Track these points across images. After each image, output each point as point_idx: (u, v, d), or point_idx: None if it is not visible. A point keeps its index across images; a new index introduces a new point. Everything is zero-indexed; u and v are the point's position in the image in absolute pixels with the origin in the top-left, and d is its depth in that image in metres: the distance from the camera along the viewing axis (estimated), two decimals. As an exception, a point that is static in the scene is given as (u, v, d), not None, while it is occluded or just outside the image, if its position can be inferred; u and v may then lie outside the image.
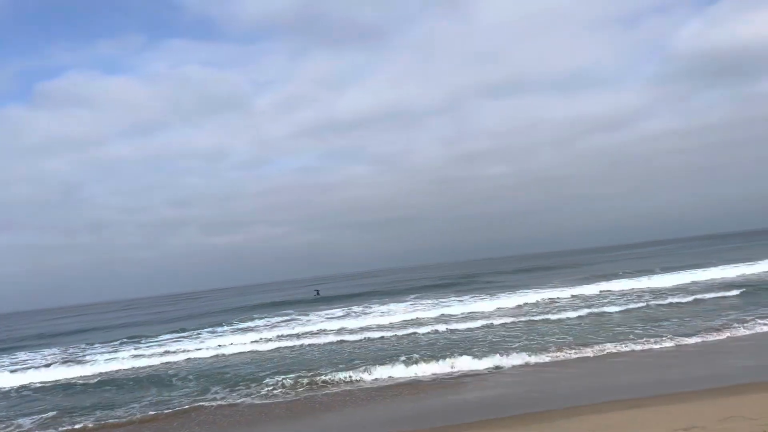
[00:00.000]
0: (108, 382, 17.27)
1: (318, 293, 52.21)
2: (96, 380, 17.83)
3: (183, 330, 30.02)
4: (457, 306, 28.66)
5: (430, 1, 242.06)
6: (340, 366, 15.50)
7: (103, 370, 19.45)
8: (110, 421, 12.39)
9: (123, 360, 21.24)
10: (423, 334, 20.58)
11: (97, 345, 28.15)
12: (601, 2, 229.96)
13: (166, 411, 12.67)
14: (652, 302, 23.32)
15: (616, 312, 21.70)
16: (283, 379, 14.48)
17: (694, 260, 45.06)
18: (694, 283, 29.70)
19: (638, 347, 14.83)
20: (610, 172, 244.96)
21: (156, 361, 20.47)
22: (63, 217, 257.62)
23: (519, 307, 26.44)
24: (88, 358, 23.14)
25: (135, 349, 24.29)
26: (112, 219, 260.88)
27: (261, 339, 23.52)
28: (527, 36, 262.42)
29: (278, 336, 23.96)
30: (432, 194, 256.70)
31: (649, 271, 38.00)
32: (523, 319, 21.84)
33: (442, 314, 26.17)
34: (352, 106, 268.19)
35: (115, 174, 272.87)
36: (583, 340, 16.41)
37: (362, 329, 23.49)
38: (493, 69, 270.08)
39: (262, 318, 33.16)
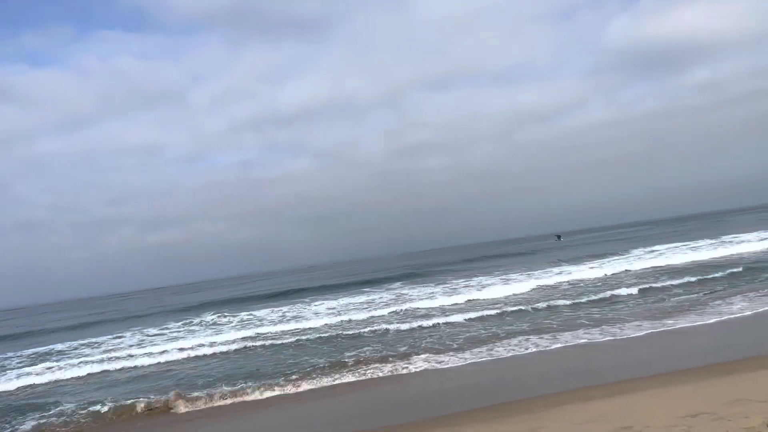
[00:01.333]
0: None
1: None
2: None
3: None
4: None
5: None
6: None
7: None
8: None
9: None
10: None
11: None
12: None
13: None
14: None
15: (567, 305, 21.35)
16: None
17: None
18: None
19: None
20: (547, 163, 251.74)
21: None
22: None
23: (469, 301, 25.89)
24: None
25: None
26: (42, 218, 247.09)
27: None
28: (466, 30, 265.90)
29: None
30: (375, 187, 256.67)
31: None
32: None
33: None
34: (293, 99, 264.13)
35: (45, 171, 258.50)
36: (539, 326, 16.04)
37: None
38: (433, 62, 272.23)
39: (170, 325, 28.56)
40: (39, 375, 17.81)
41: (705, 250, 33.08)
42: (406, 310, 23.21)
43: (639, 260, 32.34)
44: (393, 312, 23.00)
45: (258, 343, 18.89)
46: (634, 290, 20.73)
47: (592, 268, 30.88)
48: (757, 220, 61.41)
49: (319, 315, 24.99)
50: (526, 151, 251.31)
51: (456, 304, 23.59)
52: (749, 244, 33.93)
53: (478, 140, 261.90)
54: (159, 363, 17.66)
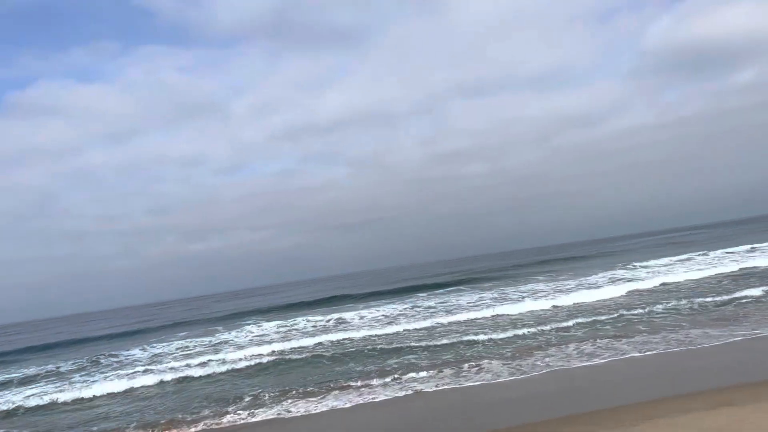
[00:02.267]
0: None
1: None
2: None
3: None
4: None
5: (406, 2, 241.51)
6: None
7: None
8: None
9: None
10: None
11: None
12: (574, 0, 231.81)
13: None
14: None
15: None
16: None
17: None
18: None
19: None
20: (588, 168, 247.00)
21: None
22: (39, 228, 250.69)
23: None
24: None
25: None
26: (89, 228, 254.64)
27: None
28: (502, 35, 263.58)
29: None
30: (412, 194, 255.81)
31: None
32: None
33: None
34: (330, 108, 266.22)
35: (91, 183, 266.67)
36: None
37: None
38: (469, 68, 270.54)
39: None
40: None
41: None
42: (498, 315, 22.53)
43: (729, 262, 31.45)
44: (493, 316, 22.51)
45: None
46: (757, 291, 20.12)
47: (686, 271, 29.83)
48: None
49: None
50: (567, 156, 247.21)
51: (545, 309, 22.76)
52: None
53: (516, 145, 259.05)
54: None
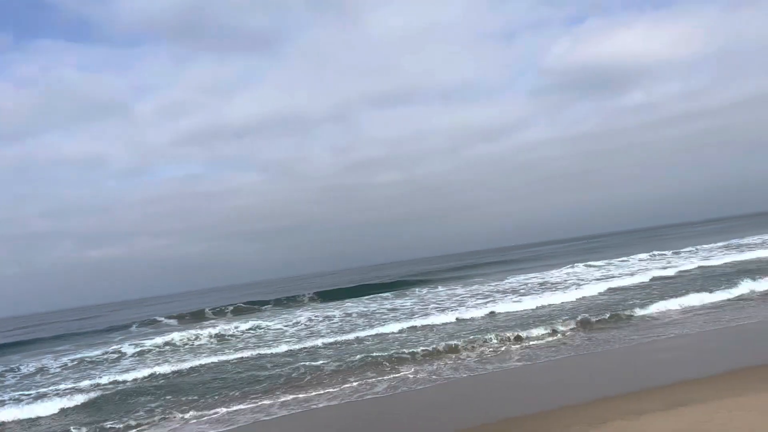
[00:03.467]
0: None
1: None
2: None
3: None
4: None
5: (321, 10, 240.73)
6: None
7: None
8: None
9: None
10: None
11: None
12: (482, 19, 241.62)
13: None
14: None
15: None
16: None
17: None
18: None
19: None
20: (494, 179, 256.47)
21: None
22: None
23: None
24: None
25: None
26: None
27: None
28: (414, 48, 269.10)
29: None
30: (324, 202, 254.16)
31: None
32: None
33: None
34: (240, 112, 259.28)
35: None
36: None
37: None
38: (381, 79, 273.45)
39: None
40: None
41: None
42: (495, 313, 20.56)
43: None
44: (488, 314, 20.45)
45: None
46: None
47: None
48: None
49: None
50: (475, 167, 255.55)
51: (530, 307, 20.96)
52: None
53: (427, 156, 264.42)
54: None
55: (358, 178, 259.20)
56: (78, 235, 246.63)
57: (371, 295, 34.96)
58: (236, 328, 24.52)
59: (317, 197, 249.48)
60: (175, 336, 23.66)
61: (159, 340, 23.30)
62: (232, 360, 17.28)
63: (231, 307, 37.20)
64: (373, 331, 19.51)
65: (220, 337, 23.13)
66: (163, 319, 35.88)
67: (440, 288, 33.80)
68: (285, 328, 23.73)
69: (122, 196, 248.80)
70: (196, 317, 35.25)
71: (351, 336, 19.19)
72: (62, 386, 16.32)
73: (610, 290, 23.34)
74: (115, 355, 21.31)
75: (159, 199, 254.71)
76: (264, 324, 25.04)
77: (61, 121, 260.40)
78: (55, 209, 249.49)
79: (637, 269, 30.82)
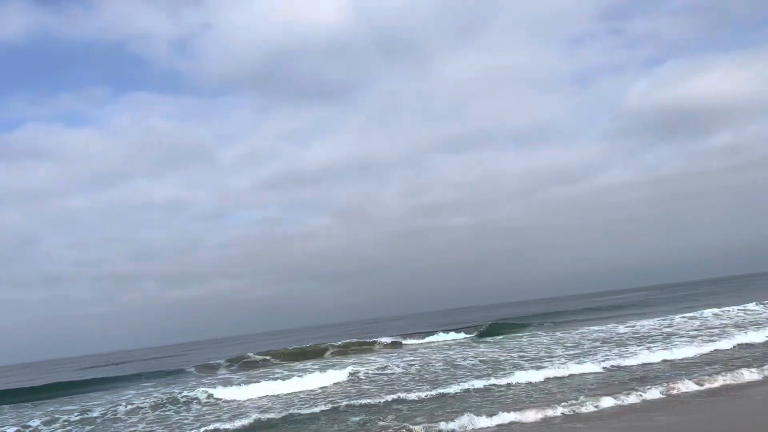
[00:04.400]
0: None
1: None
2: None
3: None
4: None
5: (394, 60, 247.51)
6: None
7: None
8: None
9: None
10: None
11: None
12: (556, 62, 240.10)
13: None
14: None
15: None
16: None
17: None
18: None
19: None
20: (568, 223, 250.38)
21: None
22: (17, 270, 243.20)
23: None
24: None
25: None
26: (67, 272, 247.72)
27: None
28: (486, 93, 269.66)
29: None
30: (395, 245, 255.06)
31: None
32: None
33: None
34: (316, 159, 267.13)
35: (73, 227, 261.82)
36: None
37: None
38: (453, 124, 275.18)
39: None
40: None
41: None
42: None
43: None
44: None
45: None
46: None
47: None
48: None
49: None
50: (548, 211, 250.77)
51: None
52: None
53: (498, 200, 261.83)
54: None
55: (429, 222, 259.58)
56: (160, 276, 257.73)
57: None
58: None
59: (389, 240, 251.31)
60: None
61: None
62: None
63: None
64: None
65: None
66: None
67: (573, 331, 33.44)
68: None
69: (203, 238, 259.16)
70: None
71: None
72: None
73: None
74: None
75: (237, 241, 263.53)
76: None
77: (149, 167, 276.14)
78: (139, 251, 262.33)
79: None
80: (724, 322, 29.96)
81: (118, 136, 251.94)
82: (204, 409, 19.05)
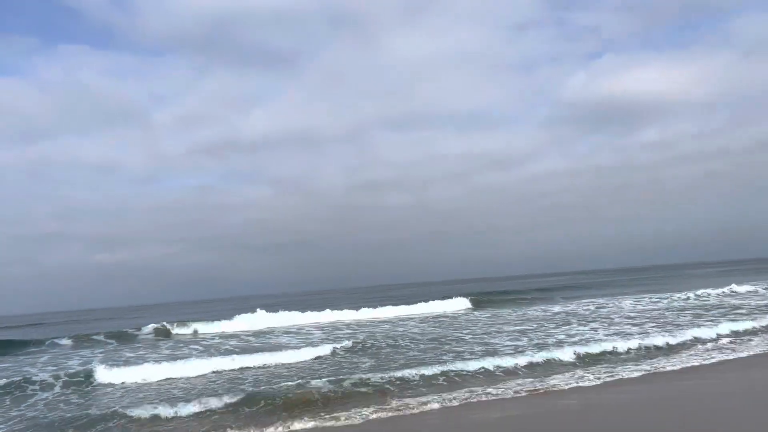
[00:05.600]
0: None
1: None
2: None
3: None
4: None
5: (341, 34, 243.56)
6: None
7: None
8: None
9: None
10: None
11: None
12: (501, 48, 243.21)
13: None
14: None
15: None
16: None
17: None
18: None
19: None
20: (503, 208, 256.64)
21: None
22: None
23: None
24: None
25: None
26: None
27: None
28: (430, 74, 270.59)
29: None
30: (332, 220, 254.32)
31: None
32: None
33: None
34: (255, 127, 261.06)
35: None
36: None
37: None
38: (396, 103, 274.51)
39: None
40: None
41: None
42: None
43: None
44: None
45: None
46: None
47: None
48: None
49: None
50: (485, 195, 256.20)
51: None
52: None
53: (438, 181, 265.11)
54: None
55: (368, 198, 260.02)
56: (87, 238, 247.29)
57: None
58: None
59: (327, 215, 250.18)
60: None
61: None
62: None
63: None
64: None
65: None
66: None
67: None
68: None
69: (134, 202, 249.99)
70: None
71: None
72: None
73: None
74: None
75: (170, 207, 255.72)
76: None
77: (79, 125, 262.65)
78: (66, 211, 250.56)
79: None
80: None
81: (46, 90, 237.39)
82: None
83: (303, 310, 35.48)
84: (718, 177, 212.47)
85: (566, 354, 15.65)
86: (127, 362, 19.20)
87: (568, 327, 22.70)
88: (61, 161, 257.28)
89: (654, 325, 21.85)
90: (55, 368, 18.76)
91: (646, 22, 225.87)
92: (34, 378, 15.90)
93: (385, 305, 37.66)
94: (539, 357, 15.36)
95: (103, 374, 15.93)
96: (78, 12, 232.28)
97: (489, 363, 14.64)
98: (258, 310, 33.69)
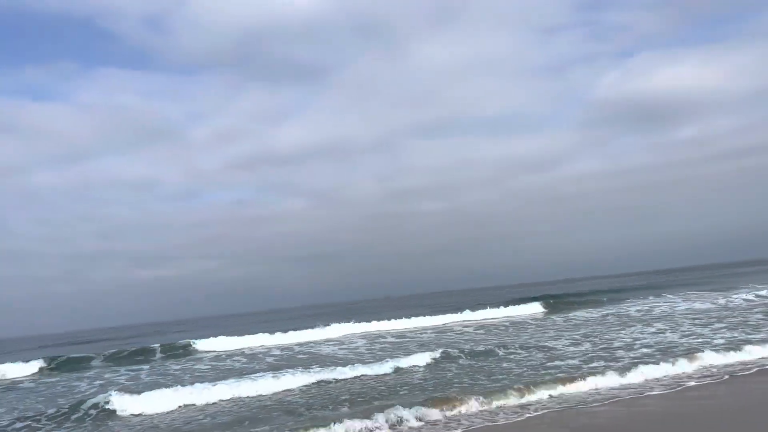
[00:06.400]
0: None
1: None
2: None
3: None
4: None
5: (369, 44, 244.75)
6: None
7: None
8: None
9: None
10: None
11: None
12: (530, 52, 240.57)
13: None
14: None
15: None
16: None
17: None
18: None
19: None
20: (538, 211, 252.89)
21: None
22: None
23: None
24: None
25: None
26: (32, 250, 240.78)
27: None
28: (460, 79, 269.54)
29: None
30: (368, 229, 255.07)
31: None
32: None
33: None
34: (288, 140, 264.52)
35: (38, 204, 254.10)
36: None
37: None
38: (427, 109, 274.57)
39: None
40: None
41: None
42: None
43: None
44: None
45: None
46: None
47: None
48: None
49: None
50: (520, 198, 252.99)
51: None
52: None
53: (471, 186, 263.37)
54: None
55: (402, 206, 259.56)
56: (129, 255, 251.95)
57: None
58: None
59: (361, 224, 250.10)
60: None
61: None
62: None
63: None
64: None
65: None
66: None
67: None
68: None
69: (173, 218, 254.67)
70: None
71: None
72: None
73: None
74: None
75: (208, 222, 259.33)
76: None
77: (118, 145, 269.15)
78: (109, 229, 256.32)
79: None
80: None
81: (86, 112, 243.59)
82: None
83: (355, 320, 33.98)
84: (759, 173, 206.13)
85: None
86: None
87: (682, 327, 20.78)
88: (102, 181, 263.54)
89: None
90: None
91: (678, 18, 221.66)
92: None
93: (436, 314, 36.04)
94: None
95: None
96: (114, 35, 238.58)
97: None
98: (322, 324, 31.94)
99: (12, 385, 21.35)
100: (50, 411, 14.10)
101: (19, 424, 13.26)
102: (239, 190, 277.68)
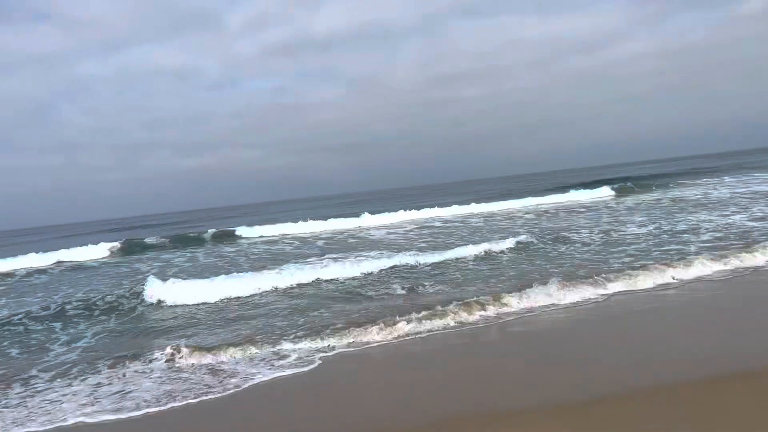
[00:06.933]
0: None
1: None
2: None
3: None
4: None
5: None
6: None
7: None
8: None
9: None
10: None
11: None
12: None
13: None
14: None
15: None
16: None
17: None
18: None
19: None
20: (586, 95, 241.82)
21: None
22: (32, 137, 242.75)
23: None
24: None
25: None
26: (82, 140, 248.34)
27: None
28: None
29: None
30: (408, 117, 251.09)
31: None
32: None
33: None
34: (327, 23, 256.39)
35: (85, 93, 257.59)
36: None
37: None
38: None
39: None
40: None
41: None
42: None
43: None
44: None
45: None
46: None
47: None
48: None
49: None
50: (566, 83, 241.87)
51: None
52: None
53: (516, 70, 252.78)
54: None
55: (442, 92, 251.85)
56: (173, 144, 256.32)
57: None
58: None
59: (401, 112, 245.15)
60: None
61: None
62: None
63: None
64: None
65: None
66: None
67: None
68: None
69: (214, 107, 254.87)
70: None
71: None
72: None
73: None
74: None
75: (247, 111, 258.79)
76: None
77: (157, 32, 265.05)
78: (151, 119, 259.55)
79: None
80: None
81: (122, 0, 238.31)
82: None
83: (404, 208, 32.59)
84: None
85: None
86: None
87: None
88: (143, 70, 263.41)
89: None
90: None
91: None
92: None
93: (491, 201, 33.98)
94: None
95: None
96: None
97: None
98: (365, 213, 30.89)
99: (79, 268, 21.39)
100: (97, 297, 13.45)
101: (68, 307, 12.77)
102: (277, 78, 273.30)
